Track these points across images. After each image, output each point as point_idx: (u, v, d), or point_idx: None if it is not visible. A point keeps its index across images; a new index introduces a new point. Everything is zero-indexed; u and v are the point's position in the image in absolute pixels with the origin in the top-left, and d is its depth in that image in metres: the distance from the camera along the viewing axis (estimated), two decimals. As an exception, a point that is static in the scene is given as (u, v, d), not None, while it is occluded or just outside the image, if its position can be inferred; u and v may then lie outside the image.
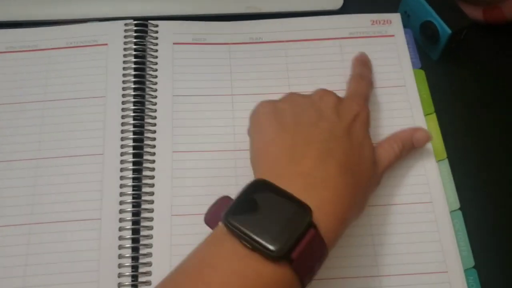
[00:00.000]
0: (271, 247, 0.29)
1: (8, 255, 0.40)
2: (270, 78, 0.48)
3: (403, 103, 0.47)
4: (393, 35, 0.50)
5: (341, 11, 0.51)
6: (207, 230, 0.33)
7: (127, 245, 0.40)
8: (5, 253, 0.40)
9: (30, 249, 0.40)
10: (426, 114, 0.46)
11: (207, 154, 0.44)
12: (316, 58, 0.48)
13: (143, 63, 0.47)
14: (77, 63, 0.47)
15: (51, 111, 0.45)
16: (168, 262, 0.40)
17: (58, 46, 0.48)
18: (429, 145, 0.44)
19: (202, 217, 0.34)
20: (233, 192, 0.33)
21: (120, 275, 0.39)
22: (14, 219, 0.41)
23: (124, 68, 0.47)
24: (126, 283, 0.39)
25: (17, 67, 0.47)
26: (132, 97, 0.45)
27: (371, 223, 0.42)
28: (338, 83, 0.47)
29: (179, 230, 0.41)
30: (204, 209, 0.34)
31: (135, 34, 0.48)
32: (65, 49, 0.48)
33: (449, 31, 0.47)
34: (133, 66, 0.47)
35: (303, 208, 0.31)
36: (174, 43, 0.48)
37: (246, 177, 0.35)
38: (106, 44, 0.48)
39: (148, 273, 0.39)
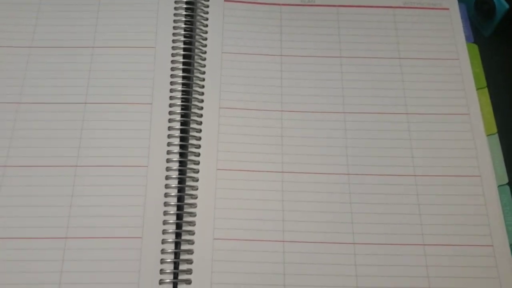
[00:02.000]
0: None
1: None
2: (321, 41, 0.47)
3: (455, 76, 0.46)
4: (447, 8, 0.49)
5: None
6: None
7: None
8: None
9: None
10: (478, 88, 0.46)
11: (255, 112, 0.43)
12: (368, 25, 0.48)
13: (193, 18, 0.46)
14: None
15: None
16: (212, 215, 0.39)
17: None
18: (479, 120, 0.44)
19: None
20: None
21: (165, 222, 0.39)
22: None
23: (175, 21, 0.46)
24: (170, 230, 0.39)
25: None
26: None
27: (417, 192, 0.41)
28: (390, 50, 0.46)
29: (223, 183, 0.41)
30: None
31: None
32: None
33: (506, 6, 0.46)
34: (183, 24, 0.46)
35: None
36: (225, 1, 0.48)
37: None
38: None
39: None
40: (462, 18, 0.49)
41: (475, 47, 0.48)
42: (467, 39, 0.48)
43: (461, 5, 0.50)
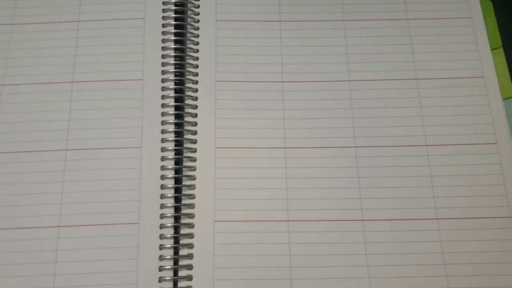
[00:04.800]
0: None
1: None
2: (323, 4, 0.43)
3: (468, 36, 0.42)
4: None
5: None
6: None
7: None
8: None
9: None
10: (492, 49, 0.42)
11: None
12: None
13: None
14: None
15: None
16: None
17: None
18: (495, 82, 0.41)
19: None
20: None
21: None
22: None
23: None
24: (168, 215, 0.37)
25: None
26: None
27: (429, 163, 0.39)
28: (397, 11, 0.43)
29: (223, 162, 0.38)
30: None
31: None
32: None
33: (523, -43, 0.42)
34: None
35: None
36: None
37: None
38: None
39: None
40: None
41: (489, 4, 0.44)
42: (481, -5, 0.44)
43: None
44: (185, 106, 0.39)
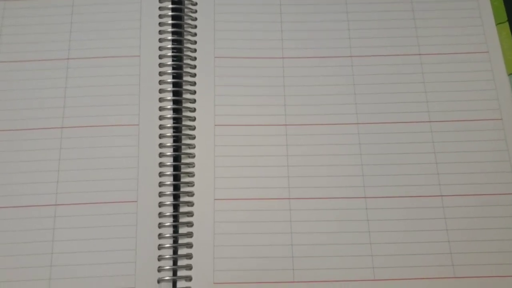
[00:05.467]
0: None
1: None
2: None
3: (472, 10, 0.41)
4: None
5: None
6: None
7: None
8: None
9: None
10: (497, 23, 0.41)
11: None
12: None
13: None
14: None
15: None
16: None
17: None
18: (500, 57, 0.40)
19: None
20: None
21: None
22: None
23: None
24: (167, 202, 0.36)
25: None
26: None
27: (433, 140, 0.38)
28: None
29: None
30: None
31: None
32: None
33: None
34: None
35: None
36: None
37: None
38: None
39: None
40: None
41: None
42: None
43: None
44: (183, 83, 0.39)
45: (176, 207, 0.36)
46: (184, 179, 0.36)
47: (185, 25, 0.40)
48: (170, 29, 0.40)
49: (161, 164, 0.36)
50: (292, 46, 0.40)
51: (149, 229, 0.35)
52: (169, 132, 0.37)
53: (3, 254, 0.34)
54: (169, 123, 0.37)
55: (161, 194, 0.36)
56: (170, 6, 0.40)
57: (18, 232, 0.35)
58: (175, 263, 0.35)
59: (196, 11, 0.41)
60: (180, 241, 0.35)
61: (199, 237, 0.35)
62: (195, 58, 0.39)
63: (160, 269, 0.34)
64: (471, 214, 0.36)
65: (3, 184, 0.36)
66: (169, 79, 0.38)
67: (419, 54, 0.40)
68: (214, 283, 0.34)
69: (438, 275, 0.35)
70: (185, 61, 0.39)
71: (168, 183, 0.36)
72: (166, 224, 0.35)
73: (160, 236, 0.35)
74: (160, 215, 0.35)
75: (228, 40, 0.40)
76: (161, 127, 0.37)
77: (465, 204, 0.36)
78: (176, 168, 0.37)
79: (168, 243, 0.35)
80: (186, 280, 0.34)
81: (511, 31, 0.41)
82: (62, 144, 0.37)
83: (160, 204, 0.36)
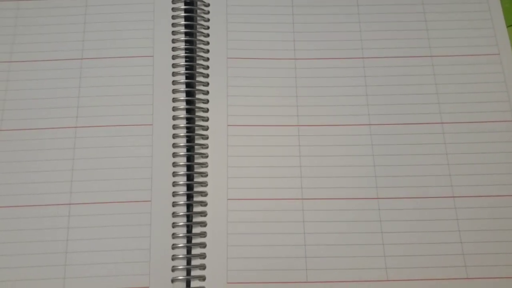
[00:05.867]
0: None
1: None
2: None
3: (483, 13, 0.42)
4: None
5: None
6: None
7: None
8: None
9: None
10: (508, 26, 0.42)
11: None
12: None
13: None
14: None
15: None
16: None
17: None
18: (511, 60, 0.40)
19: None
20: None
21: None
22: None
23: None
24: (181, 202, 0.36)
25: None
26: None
27: (445, 141, 0.38)
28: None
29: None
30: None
31: None
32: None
33: None
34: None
35: None
36: None
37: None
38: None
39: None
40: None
41: None
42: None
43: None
44: (196, 83, 0.39)
45: (189, 207, 0.36)
46: (197, 179, 0.37)
47: (197, 26, 0.40)
48: (183, 29, 0.40)
49: (174, 164, 0.37)
50: (304, 47, 0.40)
51: (163, 229, 0.35)
52: (183, 132, 0.37)
53: (17, 253, 0.35)
54: (183, 123, 0.38)
55: (174, 194, 0.36)
56: (183, 7, 0.41)
57: (33, 231, 0.35)
58: (188, 262, 0.35)
59: (208, 12, 0.41)
60: (194, 241, 0.35)
61: (213, 237, 0.35)
62: (207, 59, 0.40)
63: (174, 269, 0.34)
64: (483, 215, 0.36)
65: (18, 183, 0.36)
66: (182, 79, 0.39)
67: (431, 56, 0.40)
68: (228, 282, 0.34)
69: (451, 276, 0.35)
70: (197, 62, 0.39)
71: (182, 182, 0.36)
72: (180, 223, 0.35)
73: (174, 235, 0.35)
74: (174, 214, 0.36)
75: (240, 41, 0.40)
76: (174, 127, 0.38)
77: (478, 205, 0.36)
78: (190, 168, 0.37)
79: (182, 242, 0.35)
80: (199, 280, 0.34)
81: (522, 33, 0.41)
82: (76, 143, 0.37)
83: (174, 204, 0.36)
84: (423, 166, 0.37)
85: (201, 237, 0.35)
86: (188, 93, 0.39)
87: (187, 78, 0.39)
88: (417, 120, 0.39)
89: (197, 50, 0.40)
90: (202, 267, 0.35)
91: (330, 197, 0.36)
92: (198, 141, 0.38)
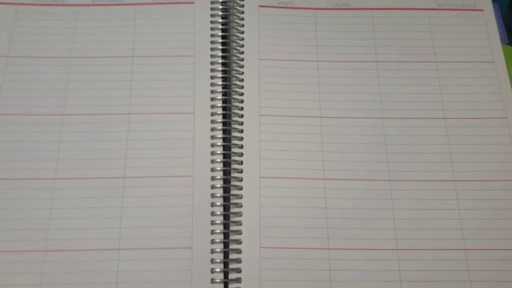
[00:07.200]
0: None
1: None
2: (357, 45, 0.47)
3: (491, 79, 0.46)
4: (481, 10, 0.49)
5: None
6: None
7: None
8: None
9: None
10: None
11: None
12: (403, 28, 0.48)
13: (228, 24, 0.47)
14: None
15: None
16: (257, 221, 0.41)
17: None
18: (504, 67, 0.46)
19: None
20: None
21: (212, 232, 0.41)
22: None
23: (212, 29, 0.47)
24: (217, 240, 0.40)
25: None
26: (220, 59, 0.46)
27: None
28: (426, 54, 0.47)
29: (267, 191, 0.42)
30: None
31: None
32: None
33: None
34: (220, 27, 0.47)
35: None
36: (260, 6, 0.48)
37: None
38: (193, 3, 0.48)
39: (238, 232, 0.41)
40: (496, 19, 0.48)
41: (510, 49, 0.47)
42: (502, 41, 0.47)
43: (495, 5, 0.49)
44: (232, 138, 0.43)
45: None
46: (233, 227, 0.40)
47: (232, 86, 0.45)
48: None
49: (212, 214, 0.41)
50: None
51: (202, 272, 0.39)
52: (220, 183, 0.41)
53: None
54: (220, 175, 0.42)
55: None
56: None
57: (83, 273, 0.39)
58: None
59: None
60: (230, 286, 0.39)
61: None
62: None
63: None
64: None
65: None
66: (220, 134, 0.43)
67: (444, 118, 0.45)
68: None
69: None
70: (233, 118, 0.44)
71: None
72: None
73: (212, 281, 0.39)
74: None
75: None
76: (212, 178, 0.41)
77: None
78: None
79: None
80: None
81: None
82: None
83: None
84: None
85: (237, 282, 0.39)
86: (225, 147, 0.43)
87: (223, 133, 0.43)
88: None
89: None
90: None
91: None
92: (234, 191, 0.41)
